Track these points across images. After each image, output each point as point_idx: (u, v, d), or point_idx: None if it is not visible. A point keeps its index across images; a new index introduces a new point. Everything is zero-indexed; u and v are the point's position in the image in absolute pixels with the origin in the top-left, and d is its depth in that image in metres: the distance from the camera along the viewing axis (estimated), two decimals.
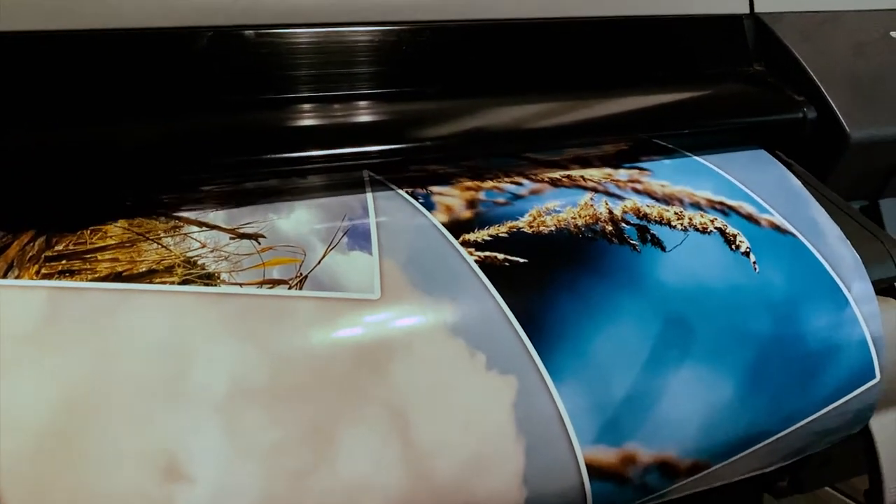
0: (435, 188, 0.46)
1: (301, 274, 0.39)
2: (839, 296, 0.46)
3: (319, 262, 0.39)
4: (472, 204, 0.45)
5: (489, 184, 0.47)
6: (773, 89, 0.56)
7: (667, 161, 0.52)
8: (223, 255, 0.39)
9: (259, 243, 0.40)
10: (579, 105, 0.52)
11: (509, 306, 0.40)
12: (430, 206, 0.44)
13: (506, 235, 0.43)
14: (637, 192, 0.48)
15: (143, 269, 0.37)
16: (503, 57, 0.51)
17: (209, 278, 0.37)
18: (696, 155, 0.54)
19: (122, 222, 0.40)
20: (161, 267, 0.37)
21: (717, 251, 0.46)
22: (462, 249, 0.42)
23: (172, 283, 0.37)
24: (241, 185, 0.44)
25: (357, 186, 0.45)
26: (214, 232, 0.40)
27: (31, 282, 0.35)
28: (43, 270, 0.36)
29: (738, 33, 0.59)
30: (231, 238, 0.40)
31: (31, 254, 0.37)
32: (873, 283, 0.47)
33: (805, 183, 0.54)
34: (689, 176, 0.51)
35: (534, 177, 0.48)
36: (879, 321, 0.46)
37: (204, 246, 0.39)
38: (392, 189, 0.45)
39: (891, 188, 0.60)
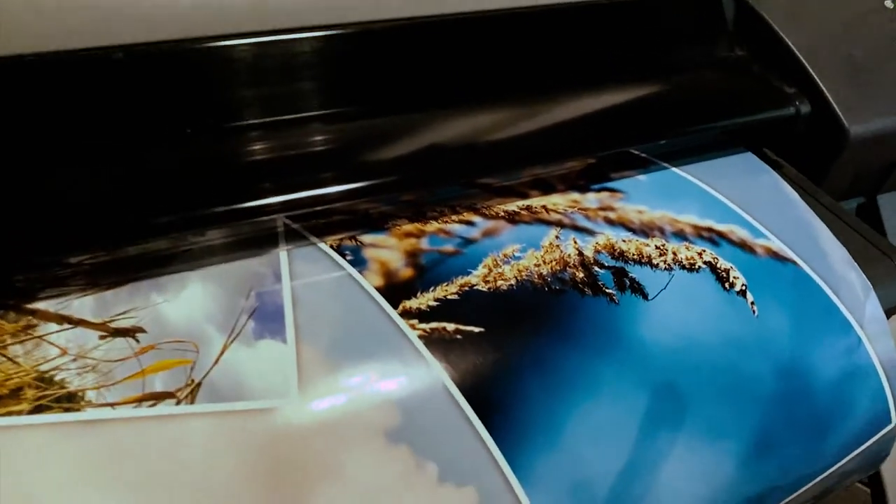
0: (367, 238, 0.37)
1: (193, 381, 0.30)
2: (850, 333, 0.39)
3: (217, 361, 0.31)
4: (412, 257, 0.37)
5: (433, 226, 0.39)
6: (760, 81, 0.48)
7: (642, 178, 0.44)
8: (90, 363, 0.30)
9: (137, 341, 0.31)
10: (537, 112, 0.44)
11: (464, 394, 0.32)
12: (360, 264, 0.36)
13: (456, 297, 0.35)
14: (610, 222, 0.40)
15: None
16: (433, 61, 0.42)
17: (70, 400, 0.29)
18: (673, 165, 0.46)
19: None
20: (5, 390, 0.28)
21: (709, 293, 0.38)
22: (402, 322, 0.33)
23: (20, 412, 0.28)
24: (117, 251, 0.35)
25: (268, 243, 0.36)
26: (79, 330, 0.31)
27: None
28: None
29: (716, 13, 0.51)
30: (101, 337, 0.31)
31: None
32: (886, 311, 0.41)
33: (800, 190, 0.46)
34: (669, 196, 0.43)
35: (487, 212, 0.40)
36: (895, 358, 0.40)
37: (64, 352, 0.30)
38: (313, 243, 0.37)
39: (890, 182, 0.53)
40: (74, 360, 0.30)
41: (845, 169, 0.49)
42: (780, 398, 0.37)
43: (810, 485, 0.39)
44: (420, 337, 0.33)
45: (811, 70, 0.47)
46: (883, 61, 0.50)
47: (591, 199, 0.42)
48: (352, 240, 0.37)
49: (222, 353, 0.31)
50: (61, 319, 0.31)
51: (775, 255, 0.41)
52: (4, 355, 0.30)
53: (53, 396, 0.29)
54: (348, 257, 0.36)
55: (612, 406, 0.34)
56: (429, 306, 0.34)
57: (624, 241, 0.39)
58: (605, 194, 0.42)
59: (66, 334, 0.31)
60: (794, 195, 0.45)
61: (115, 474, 0.27)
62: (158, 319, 0.32)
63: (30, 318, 0.31)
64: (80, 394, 0.29)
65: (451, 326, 0.34)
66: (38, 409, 0.28)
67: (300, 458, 0.29)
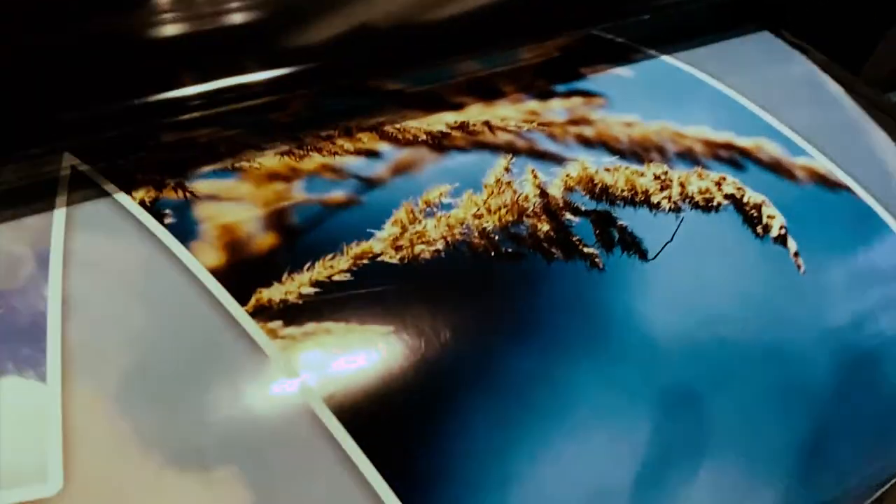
0: (201, 186, 0.23)
1: None
2: None
3: None
4: (276, 214, 0.23)
5: (313, 161, 0.25)
6: None
7: (627, 74, 0.31)
8: None
9: None
10: None
11: (368, 455, 0.19)
12: (186, 230, 0.22)
13: (348, 277, 0.21)
14: (586, 142, 0.27)
15: None
16: None
17: None
18: (666, 53, 0.32)
19: None
20: None
21: (734, 243, 0.26)
22: (255, 328, 0.20)
23: None
24: None
25: (35, 197, 0.22)
26: None
27: None
28: None
29: None
30: None
31: None
32: None
33: (838, 83, 0.33)
34: (668, 99, 0.30)
35: (399, 134, 0.26)
36: None
37: None
38: (109, 194, 0.22)
39: None
40: None
41: (890, 52, 0.36)
42: (840, 393, 0.25)
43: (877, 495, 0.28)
44: (283, 350, 0.20)
45: None
46: None
47: (556, 110, 0.28)
48: (177, 189, 0.23)
49: None
50: None
51: (822, 180, 0.28)
52: None
53: None
54: (168, 220, 0.22)
55: (599, 434, 0.21)
56: (301, 296, 0.21)
57: (608, 169, 0.26)
58: (576, 100, 0.28)
59: None
60: (838, 90, 0.32)
61: None
62: None
63: None
64: None
65: (336, 328, 0.20)
66: None
67: None
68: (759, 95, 0.30)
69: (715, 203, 0.26)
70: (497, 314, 0.22)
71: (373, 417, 0.19)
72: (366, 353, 0.20)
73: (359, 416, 0.19)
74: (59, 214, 0.22)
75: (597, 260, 0.23)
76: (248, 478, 0.18)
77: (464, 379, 0.21)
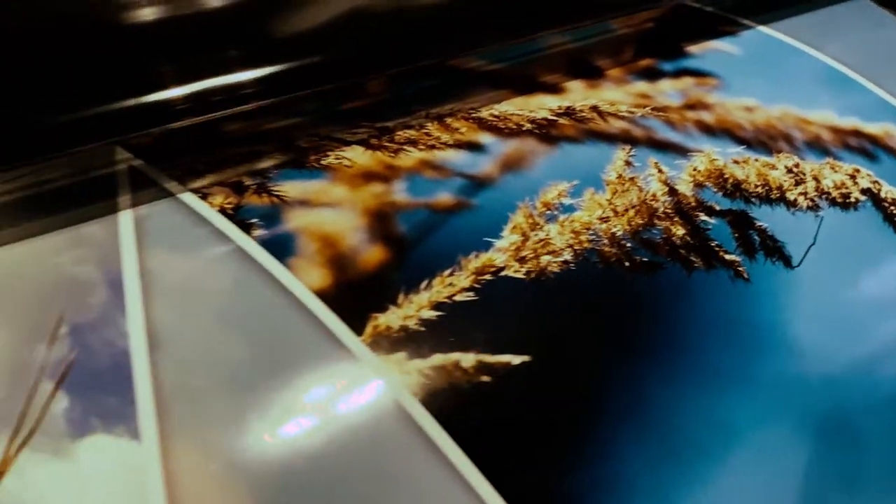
0: (290, 188, 0.20)
1: None
2: None
3: None
4: (380, 221, 0.19)
5: (410, 156, 0.21)
6: None
7: (730, 48, 0.27)
8: None
9: None
10: None
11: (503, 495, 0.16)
12: (282, 246, 0.18)
13: (471, 298, 0.18)
14: (707, 129, 0.24)
15: None
16: None
17: None
18: (761, 24, 0.29)
19: None
20: None
21: (877, 244, 0.23)
22: (375, 360, 0.17)
23: None
24: None
25: (93, 202, 0.19)
26: None
27: None
28: None
29: None
30: None
31: None
32: None
33: None
34: (779, 75, 0.27)
35: (498, 122, 0.23)
36: None
37: None
38: (179, 200, 0.19)
39: None
40: None
41: None
42: None
43: None
44: (414, 394, 0.17)
45: None
46: None
47: (667, 92, 0.25)
48: (260, 193, 0.20)
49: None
50: None
51: None
52: None
53: None
54: (257, 231, 0.18)
55: (759, 471, 0.19)
56: (422, 322, 0.18)
57: (736, 161, 0.23)
58: (687, 81, 0.25)
59: None
60: None
61: None
62: None
63: None
64: None
65: (468, 360, 0.17)
66: None
67: None
68: (871, 71, 0.28)
69: (852, 199, 0.23)
70: (639, 336, 0.19)
71: (521, 472, 0.16)
72: (503, 392, 0.17)
73: (507, 472, 0.16)
74: (126, 224, 0.18)
75: (740, 269, 0.21)
76: None
77: (610, 409, 0.18)
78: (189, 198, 0.19)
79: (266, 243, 0.18)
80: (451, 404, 0.17)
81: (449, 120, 0.22)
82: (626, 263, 0.20)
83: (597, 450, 0.17)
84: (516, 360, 0.18)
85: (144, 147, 0.20)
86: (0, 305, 0.16)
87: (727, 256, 0.21)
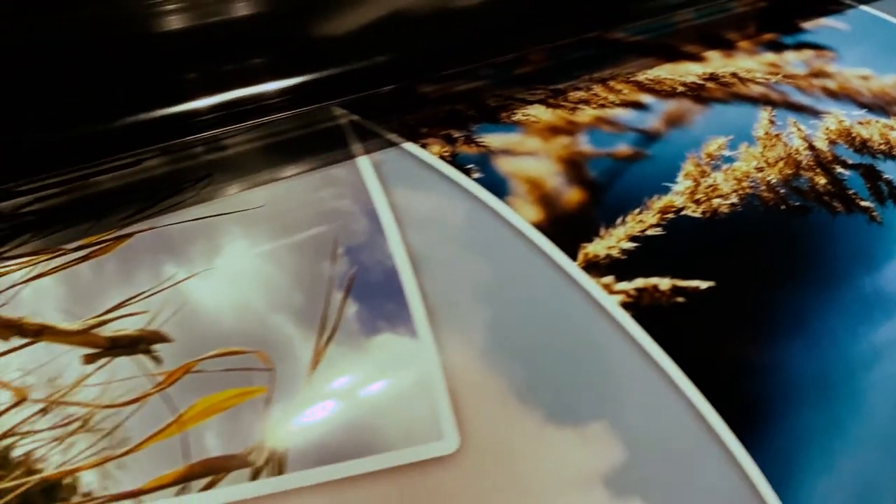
0: (493, 140, 0.23)
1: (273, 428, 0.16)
2: None
3: (307, 384, 0.17)
4: (574, 167, 0.23)
5: (586, 113, 0.24)
6: None
7: (842, 27, 0.30)
8: (76, 415, 0.15)
9: (158, 360, 0.17)
10: None
11: (714, 405, 0.19)
12: (498, 185, 0.21)
13: (660, 233, 0.22)
14: (833, 95, 0.27)
15: None
16: None
17: (51, 498, 0.15)
18: (867, 6, 0.32)
19: None
20: None
21: None
22: (590, 283, 0.20)
23: None
24: (80, 181, 0.20)
25: (336, 147, 0.22)
26: (44, 347, 0.16)
27: None
28: None
29: None
30: (87, 358, 0.16)
31: None
32: None
33: None
34: (891, 51, 0.30)
35: (656, 86, 0.26)
36: None
37: (22, 398, 0.16)
38: (404, 149, 0.22)
39: None
40: (44, 411, 0.16)
41: None
42: None
43: None
44: (624, 305, 0.20)
45: None
46: None
47: (793, 61, 0.28)
48: (469, 143, 0.23)
49: (314, 367, 0.17)
50: (11, 328, 0.16)
51: None
52: None
53: (16, 493, 0.14)
54: (476, 174, 0.22)
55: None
56: (623, 252, 0.21)
57: (861, 123, 0.26)
58: (808, 53, 0.28)
59: (19, 358, 0.16)
60: None
61: None
62: (186, 314, 0.17)
63: None
64: (66, 483, 0.15)
65: (664, 284, 0.21)
66: None
67: None
68: None
69: None
70: (799, 267, 0.22)
71: (725, 371, 0.20)
72: (697, 306, 0.20)
73: (711, 372, 0.20)
74: (366, 168, 0.21)
75: (874, 214, 0.24)
76: (618, 432, 0.18)
77: (780, 325, 0.21)
78: (411, 147, 0.22)
79: (485, 184, 0.21)
80: (656, 317, 0.20)
81: (611, 83, 0.25)
82: (783, 206, 0.23)
83: (773, 355, 0.20)
84: (703, 284, 0.21)
85: (357, 105, 0.23)
86: (285, 230, 0.19)
87: (862, 203, 0.24)
